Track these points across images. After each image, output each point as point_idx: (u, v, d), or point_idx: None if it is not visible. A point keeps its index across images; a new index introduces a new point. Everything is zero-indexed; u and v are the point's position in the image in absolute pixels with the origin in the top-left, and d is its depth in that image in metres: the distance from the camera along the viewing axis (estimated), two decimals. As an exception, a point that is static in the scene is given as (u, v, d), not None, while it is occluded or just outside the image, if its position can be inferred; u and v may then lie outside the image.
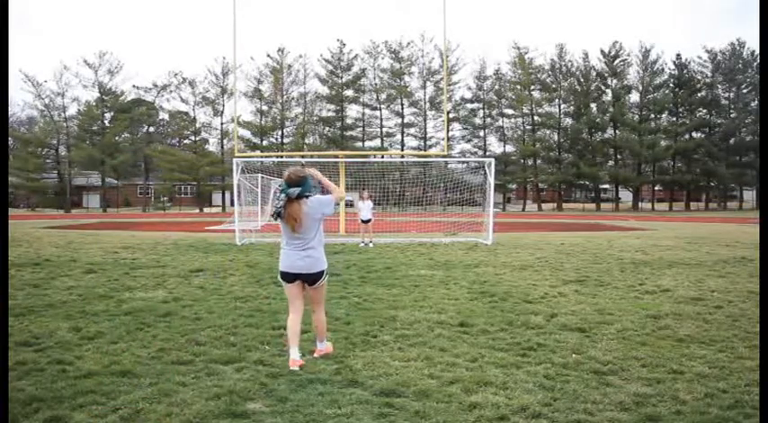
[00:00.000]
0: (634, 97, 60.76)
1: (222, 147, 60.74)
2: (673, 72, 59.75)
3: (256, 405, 3.90)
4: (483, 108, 61.61)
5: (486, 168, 18.29)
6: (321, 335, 5.08)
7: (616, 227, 27.36)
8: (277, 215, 4.83)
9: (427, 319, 6.49)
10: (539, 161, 61.35)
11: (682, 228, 26.41)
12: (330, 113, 61.79)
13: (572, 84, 60.73)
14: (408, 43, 60.20)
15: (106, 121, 59.86)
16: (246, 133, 58.33)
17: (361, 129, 62.32)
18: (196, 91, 59.44)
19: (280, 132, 60.33)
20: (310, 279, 4.92)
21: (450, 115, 59.24)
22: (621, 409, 3.86)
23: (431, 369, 4.68)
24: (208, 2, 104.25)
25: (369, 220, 16.27)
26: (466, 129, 62.39)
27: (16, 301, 7.37)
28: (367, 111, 62.10)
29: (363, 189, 18.93)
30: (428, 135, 61.18)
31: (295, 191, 4.77)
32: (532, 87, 60.32)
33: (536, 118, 60.48)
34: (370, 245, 15.76)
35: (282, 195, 4.80)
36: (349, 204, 26.85)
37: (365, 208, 16.36)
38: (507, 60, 62.59)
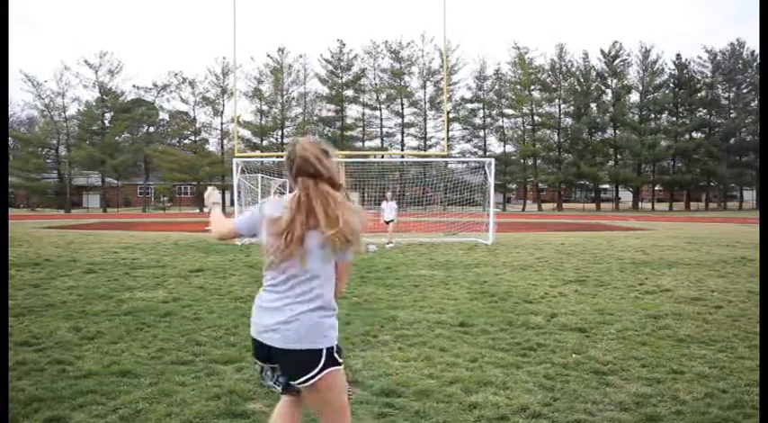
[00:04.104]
0: (634, 97, 60.82)
1: (222, 147, 60.71)
2: (673, 72, 59.76)
3: (256, 405, 3.90)
4: (483, 108, 61.59)
5: (486, 168, 18.29)
6: None
7: (616, 227, 27.35)
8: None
9: (427, 319, 6.49)
10: (539, 161, 61.33)
11: (682, 228, 26.40)
12: (330, 113, 61.80)
13: (572, 84, 60.71)
14: (408, 43, 60.29)
15: (106, 121, 59.83)
16: (246, 133, 58.34)
17: (361, 129, 62.30)
18: (196, 91, 59.48)
19: (280, 132, 60.31)
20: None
21: (451, 115, 59.22)
22: (621, 409, 3.86)
23: (431, 369, 4.68)
24: (208, 2, 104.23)
25: (391, 221, 16.10)
26: (466, 129, 62.38)
27: (16, 301, 7.37)
28: (367, 111, 62.12)
29: (387, 190, 18.90)
30: (428, 135, 61.19)
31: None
32: (532, 87, 60.30)
33: (536, 118, 60.46)
34: (389, 246, 15.46)
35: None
36: None
37: (388, 209, 16.22)
38: (507, 60, 62.67)
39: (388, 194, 16.80)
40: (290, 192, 2.49)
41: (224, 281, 9.36)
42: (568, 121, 60.77)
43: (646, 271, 10.68)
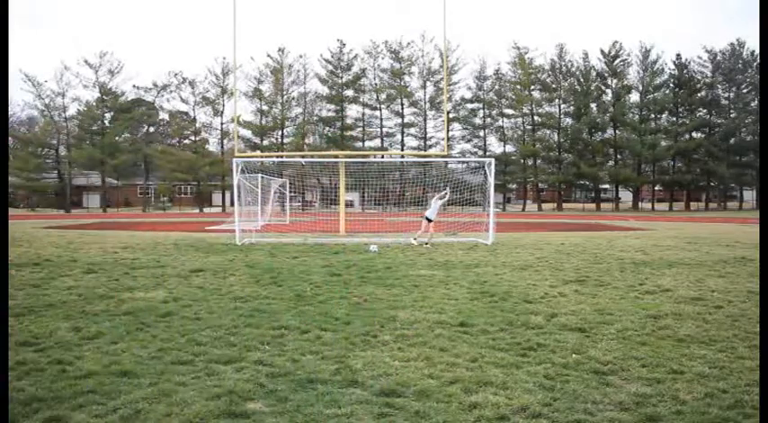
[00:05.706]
0: (634, 97, 60.81)
1: (222, 147, 60.76)
2: (673, 72, 59.77)
3: (256, 405, 3.90)
4: (483, 108, 61.59)
5: (486, 168, 18.29)
6: None
7: (616, 227, 27.35)
8: None
9: (427, 319, 6.49)
10: (539, 161, 61.35)
11: (682, 228, 26.39)
12: (330, 113, 61.81)
13: (572, 84, 60.71)
14: (408, 43, 60.26)
15: (106, 121, 59.85)
16: (247, 133, 58.38)
17: (361, 129, 62.29)
18: (196, 91, 59.53)
19: (280, 132, 60.33)
20: None
21: (451, 115, 59.22)
22: (621, 409, 3.86)
23: (431, 369, 4.68)
24: (208, 2, 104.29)
25: (430, 221, 16.14)
26: (466, 129, 62.38)
27: (16, 301, 7.37)
28: (367, 111, 62.11)
29: (444, 189, 18.22)
30: (428, 135, 61.18)
31: None
32: (532, 87, 60.31)
33: (536, 118, 60.46)
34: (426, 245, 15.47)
35: None
36: (349, 204, 26.73)
37: (436, 207, 16.33)
38: (507, 60, 62.67)
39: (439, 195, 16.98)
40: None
41: (224, 281, 9.35)
42: (568, 121, 60.78)
43: (646, 271, 10.68)
